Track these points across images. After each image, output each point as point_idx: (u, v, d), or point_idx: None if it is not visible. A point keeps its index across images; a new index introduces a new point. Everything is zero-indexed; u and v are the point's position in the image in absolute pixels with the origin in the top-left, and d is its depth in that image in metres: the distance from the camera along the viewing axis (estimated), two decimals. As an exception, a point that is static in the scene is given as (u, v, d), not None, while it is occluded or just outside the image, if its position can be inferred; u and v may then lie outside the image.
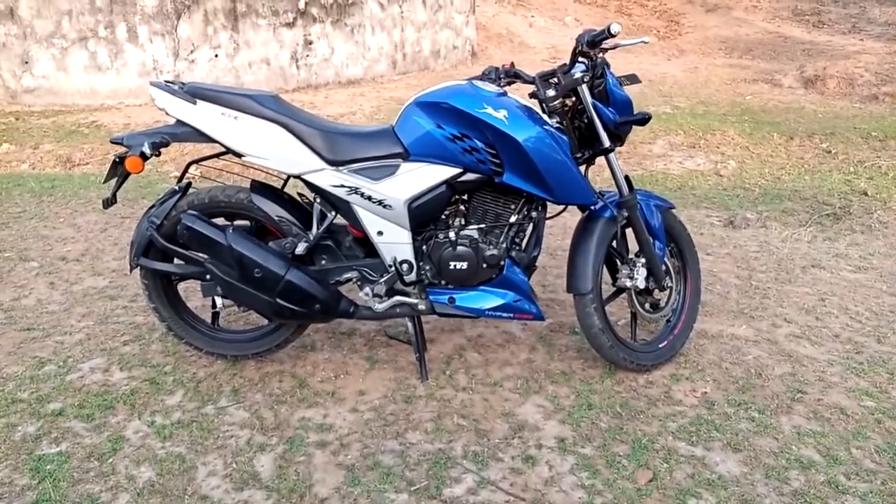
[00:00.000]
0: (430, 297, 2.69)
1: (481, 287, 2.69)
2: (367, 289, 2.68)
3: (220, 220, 2.68)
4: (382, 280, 2.66)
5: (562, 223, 2.78)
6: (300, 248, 2.61)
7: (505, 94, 2.55)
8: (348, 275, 2.71)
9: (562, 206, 2.73)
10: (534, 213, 2.69)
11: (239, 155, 2.53)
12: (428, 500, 2.19)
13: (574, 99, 2.64)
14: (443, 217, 2.68)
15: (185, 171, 2.71)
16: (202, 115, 2.48)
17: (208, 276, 2.62)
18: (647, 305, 2.90)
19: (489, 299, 2.68)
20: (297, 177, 2.56)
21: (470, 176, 2.55)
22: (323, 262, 2.71)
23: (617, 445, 2.43)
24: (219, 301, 2.71)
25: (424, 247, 2.67)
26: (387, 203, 2.54)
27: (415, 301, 2.70)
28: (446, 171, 2.53)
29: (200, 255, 2.61)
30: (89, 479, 2.26)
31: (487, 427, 2.54)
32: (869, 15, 13.46)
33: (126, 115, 7.24)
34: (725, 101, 8.28)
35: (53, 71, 7.55)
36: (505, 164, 2.50)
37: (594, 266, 2.67)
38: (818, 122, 7.20)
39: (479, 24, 11.79)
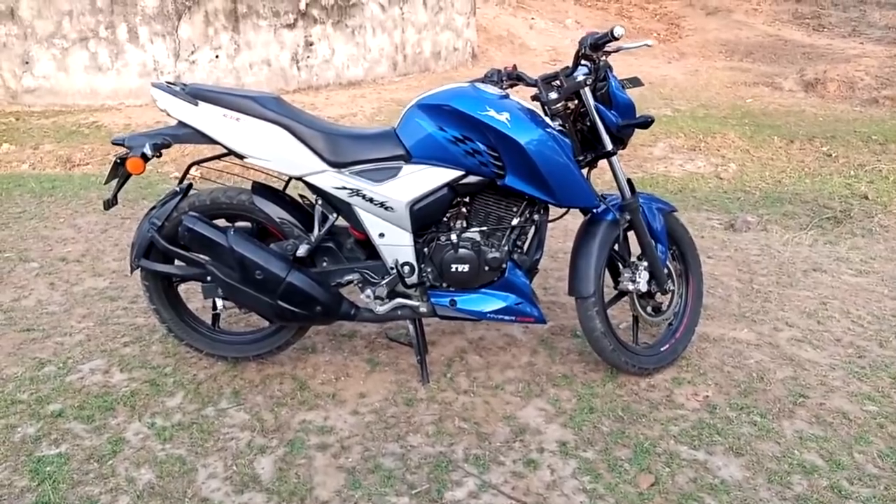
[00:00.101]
0: (432, 300, 2.68)
1: (483, 290, 2.69)
2: (368, 291, 2.67)
3: (221, 222, 2.67)
4: (384, 282, 2.65)
5: (563, 226, 2.78)
6: (301, 250, 2.60)
7: (507, 96, 2.55)
8: (349, 277, 2.70)
9: (564, 209, 2.73)
10: (536, 216, 2.68)
11: (240, 156, 2.52)
12: (429, 504, 2.19)
13: (576, 102, 2.63)
14: (444, 219, 2.67)
15: (186, 172, 2.71)
16: (204, 117, 2.47)
17: (209, 278, 2.61)
18: (649, 309, 2.89)
19: (491, 302, 2.68)
20: (299, 178, 2.55)
21: (472, 178, 2.55)
22: (324, 263, 2.71)
23: (619, 449, 2.43)
24: (219, 303, 2.70)
25: (426, 249, 2.66)
26: (388, 205, 2.53)
27: (416, 303, 2.69)
28: (448, 174, 2.53)
29: (201, 256, 2.60)
30: (89, 481, 2.25)
31: (489, 430, 2.53)
32: (869, 18, 13.47)
33: (126, 115, 7.23)
34: (726, 104, 8.29)
35: (54, 71, 7.54)
36: (507, 166, 2.49)
37: (596, 269, 2.67)
38: (819, 126, 7.21)
39: (480, 26, 11.79)
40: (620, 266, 2.85)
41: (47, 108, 7.49)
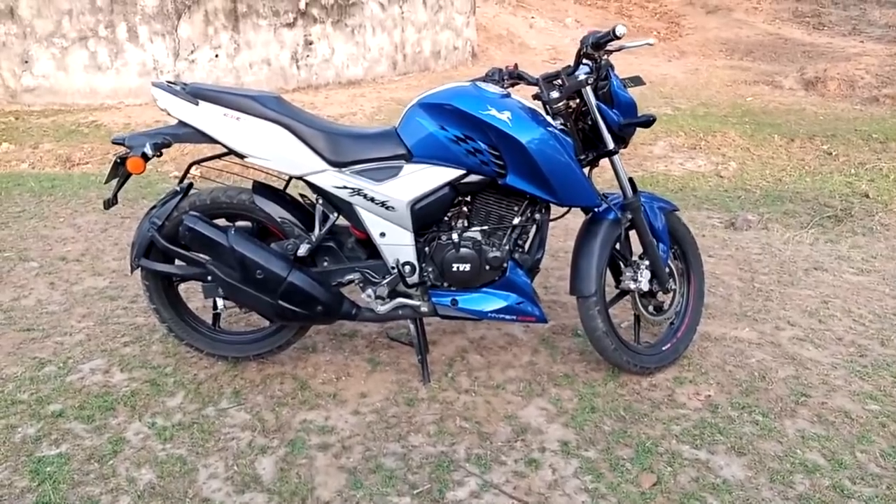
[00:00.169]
0: (433, 299, 2.68)
1: (484, 289, 2.68)
2: (369, 290, 2.66)
3: (222, 222, 2.66)
4: (385, 282, 2.64)
5: (563, 224, 2.78)
6: (302, 250, 2.59)
7: (508, 95, 2.54)
8: (350, 276, 2.69)
9: (565, 209, 2.72)
10: (537, 215, 2.67)
11: (241, 156, 2.51)
12: (431, 504, 2.19)
13: (578, 101, 2.62)
14: (446, 219, 2.66)
15: (187, 171, 2.70)
16: (204, 116, 2.46)
17: (210, 278, 2.60)
18: (650, 308, 2.89)
19: (492, 301, 2.67)
20: (300, 178, 2.55)
21: (473, 177, 2.54)
22: (325, 263, 2.70)
23: (621, 449, 2.42)
24: (220, 302, 2.70)
25: (427, 248, 2.65)
26: (389, 204, 2.52)
27: (417, 303, 2.68)
28: (449, 173, 2.52)
29: (202, 256, 2.59)
30: (89, 482, 2.25)
31: (490, 430, 2.52)
32: (869, 17, 13.47)
33: (126, 114, 7.22)
34: (726, 103, 8.28)
35: (53, 70, 7.53)
36: (508, 165, 2.48)
37: (598, 268, 2.66)
38: (819, 124, 7.20)
39: (480, 25, 11.78)
40: (622, 265, 2.84)
41: (47, 108, 7.48)
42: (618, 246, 2.79)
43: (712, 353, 3.02)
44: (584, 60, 2.59)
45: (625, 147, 2.72)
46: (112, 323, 3.24)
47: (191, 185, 2.69)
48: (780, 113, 7.75)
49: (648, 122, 2.64)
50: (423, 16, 9.94)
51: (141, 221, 2.68)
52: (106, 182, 2.58)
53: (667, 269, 2.82)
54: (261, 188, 2.67)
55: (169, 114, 2.50)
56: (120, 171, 2.52)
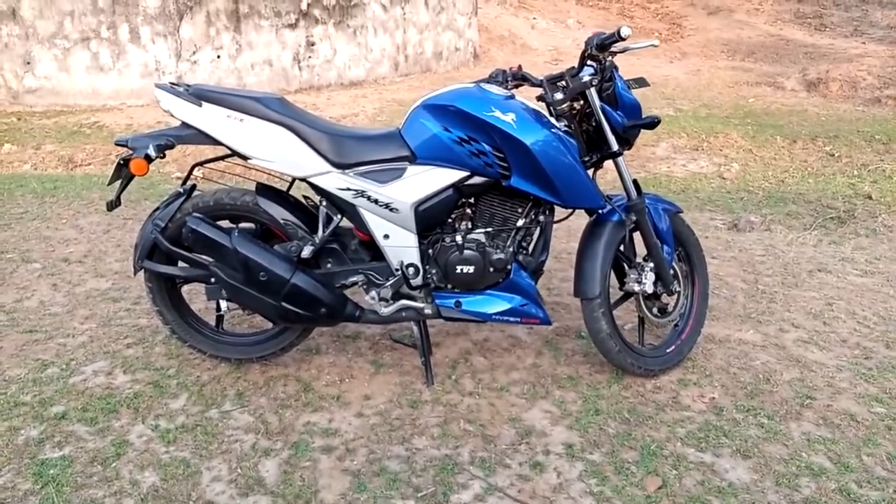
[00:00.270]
0: (437, 301, 2.67)
1: (488, 291, 2.67)
2: (372, 292, 2.66)
3: (225, 224, 2.66)
4: (388, 284, 2.63)
5: (566, 226, 2.78)
6: (306, 252, 2.59)
7: (512, 97, 2.53)
8: (354, 278, 2.69)
9: (569, 210, 2.71)
10: (541, 217, 2.66)
11: (244, 157, 2.51)
12: (435, 507, 2.18)
13: (582, 102, 2.62)
14: (449, 220, 2.65)
15: (190, 173, 2.70)
16: (207, 118, 2.46)
17: (213, 280, 2.60)
18: (654, 310, 2.88)
19: (496, 303, 2.66)
20: (303, 180, 2.54)
21: (477, 179, 2.53)
22: (328, 265, 2.69)
23: (625, 452, 2.41)
24: (223, 304, 2.69)
25: (431, 250, 2.65)
26: (393, 206, 2.52)
27: (421, 305, 2.68)
28: (453, 175, 2.51)
29: (205, 258, 2.59)
30: (93, 484, 2.24)
31: (494, 432, 2.52)
32: (871, 18, 13.45)
33: (128, 115, 7.22)
34: (728, 104, 8.27)
35: (55, 71, 7.53)
36: (512, 167, 2.48)
37: (602, 270, 2.65)
38: (821, 125, 7.19)
39: (482, 26, 11.78)
40: (626, 267, 2.83)
41: (49, 109, 7.48)
42: (622, 248, 2.78)
43: (716, 355, 3.01)
44: (589, 62, 2.59)
45: (629, 149, 2.71)
46: (115, 325, 3.23)
47: (194, 187, 2.68)
48: (783, 114, 7.74)
49: (653, 123, 2.63)
50: (425, 17, 9.94)
51: (144, 223, 2.68)
52: (109, 184, 2.58)
53: (671, 272, 2.82)
54: (264, 190, 2.67)
55: (172, 115, 2.49)
56: (123, 172, 2.52)
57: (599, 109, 2.55)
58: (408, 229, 2.57)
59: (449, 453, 2.41)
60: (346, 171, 2.50)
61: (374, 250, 2.67)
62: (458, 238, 2.60)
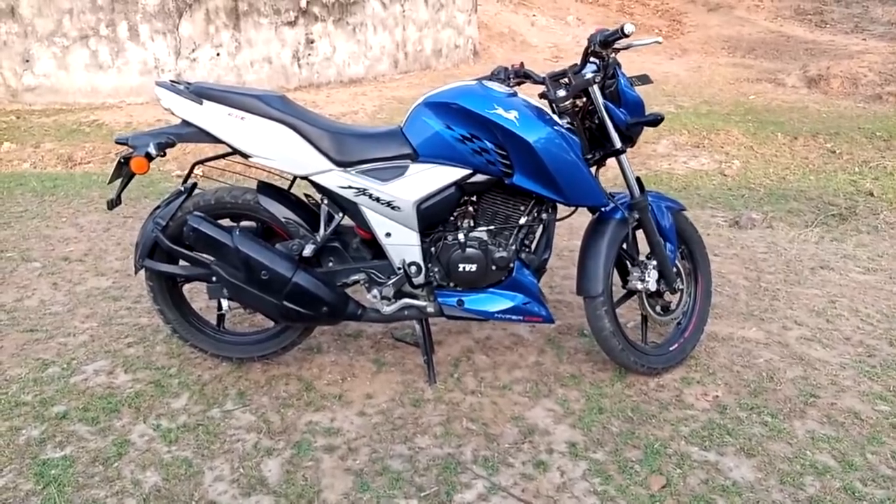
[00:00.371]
0: (439, 300, 2.66)
1: (490, 289, 2.66)
2: (374, 291, 2.65)
3: (226, 222, 2.65)
4: (390, 282, 2.62)
5: (567, 224, 2.77)
6: (307, 250, 2.57)
7: (515, 94, 2.52)
8: (356, 277, 2.68)
9: (572, 208, 2.70)
10: (544, 215, 2.65)
11: (245, 156, 2.49)
12: (438, 506, 2.17)
13: (585, 99, 2.60)
14: (452, 219, 2.64)
15: (191, 171, 2.68)
16: (208, 116, 2.44)
17: (214, 278, 2.59)
18: (657, 308, 2.87)
19: (498, 302, 2.65)
20: (305, 178, 2.53)
21: (479, 177, 2.52)
22: (330, 263, 2.68)
23: (629, 450, 2.40)
24: (224, 303, 2.68)
25: (433, 248, 2.63)
26: (395, 204, 2.50)
27: (423, 303, 2.67)
28: (456, 173, 2.50)
29: (206, 256, 2.57)
30: (94, 484, 2.23)
31: (497, 431, 2.51)
32: (872, 14, 13.43)
33: (127, 113, 7.20)
34: (729, 101, 8.25)
35: (54, 69, 7.51)
36: (515, 165, 2.46)
37: (605, 268, 2.64)
38: (822, 122, 7.17)
39: (481, 23, 11.75)
40: (629, 265, 2.82)
41: (48, 107, 7.46)
42: (625, 246, 2.77)
43: (720, 353, 3.00)
44: (592, 59, 2.57)
45: (632, 146, 2.70)
46: (116, 324, 3.22)
47: (195, 185, 2.67)
48: (783, 111, 7.72)
49: (656, 120, 2.62)
50: (425, 14, 9.91)
51: (145, 222, 2.67)
52: (109, 182, 2.56)
53: (674, 269, 2.81)
54: (265, 188, 2.65)
55: (172, 113, 2.48)
56: (123, 171, 2.50)
57: (602, 106, 2.54)
58: (410, 227, 2.55)
59: (452, 452, 2.40)
60: (348, 169, 2.49)
61: (375, 249, 2.66)
62: (461, 236, 2.59)
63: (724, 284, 3.65)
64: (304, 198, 2.72)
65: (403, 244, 2.58)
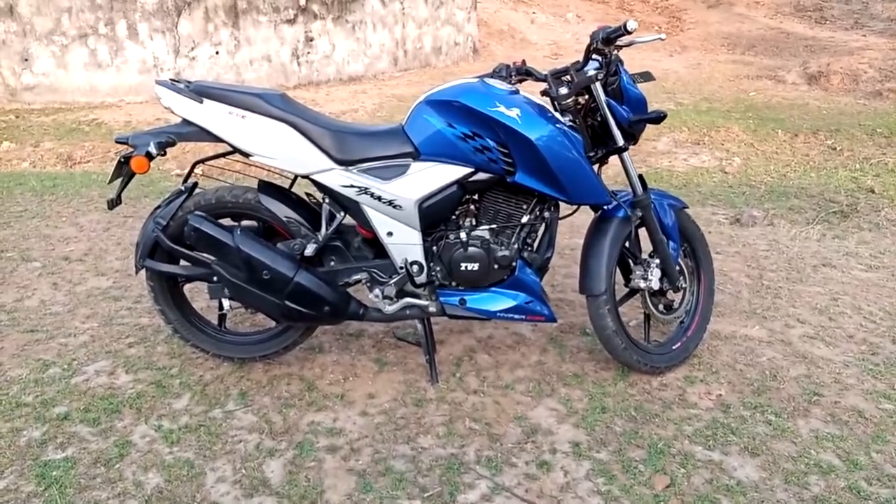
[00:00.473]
0: (441, 299, 2.65)
1: (492, 288, 2.65)
2: (376, 290, 2.63)
3: (227, 221, 2.63)
4: (392, 281, 2.61)
5: (569, 222, 2.76)
6: (309, 250, 2.56)
7: (517, 92, 2.50)
8: (357, 276, 2.66)
9: (574, 206, 2.69)
10: (546, 214, 2.64)
11: (246, 154, 2.48)
12: (442, 507, 2.16)
13: (587, 97, 2.59)
14: (453, 217, 2.63)
15: (191, 170, 2.67)
16: (209, 114, 2.43)
17: (215, 278, 2.58)
18: (660, 306, 2.86)
19: (500, 301, 2.64)
20: (306, 177, 2.52)
21: (481, 175, 2.51)
22: (332, 263, 2.67)
23: (632, 450, 2.39)
24: (226, 303, 2.67)
25: (435, 247, 2.62)
26: (397, 203, 2.49)
27: (425, 303, 2.65)
28: (457, 171, 2.49)
29: (207, 256, 2.56)
30: (96, 486, 2.22)
31: (500, 431, 2.50)
32: (871, 11, 13.42)
33: (127, 112, 7.19)
34: (729, 98, 8.24)
35: (53, 68, 7.50)
36: (517, 163, 2.45)
37: (608, 267, 2.63)
38: (823, 119, 7.16)
39: (481, 21, 11.73)
40: (632, 263, 2.81)
41: (47, 106, 7.45)
42: (627, 244, 2.76)
43: (722, 351, 2.99)
44: (594, 56, 2.56)
45: (634, 143, 2.68)
46: (116, 324, 3.21)
47: (195, 185, 2.66)
48: (784, 108, 7.71)
49: (659, 118, 2.60)
50: (424, 11, 9.90)
51: (145, 221, 2.66)
52: (109, 182, 2.55)
53: (677, 268, 2.79)
54: (266, 187, 2.64)
55: (173, 112, 2.47)
56: (124, 170, 2.49)
57: (605, 104, 2.52)
58: (412, 226, 2.54)
59: (455, 452, 2.39)
60: (350, 167, 2.48)
61: (377, 248, 2.65)
62: (463, 235, 2.58)
63: (726, 282, 3.64)
64: (305, 197, 2.71)
65: (405, 243, 2.57)
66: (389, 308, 2.64)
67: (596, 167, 2.65)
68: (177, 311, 2.78)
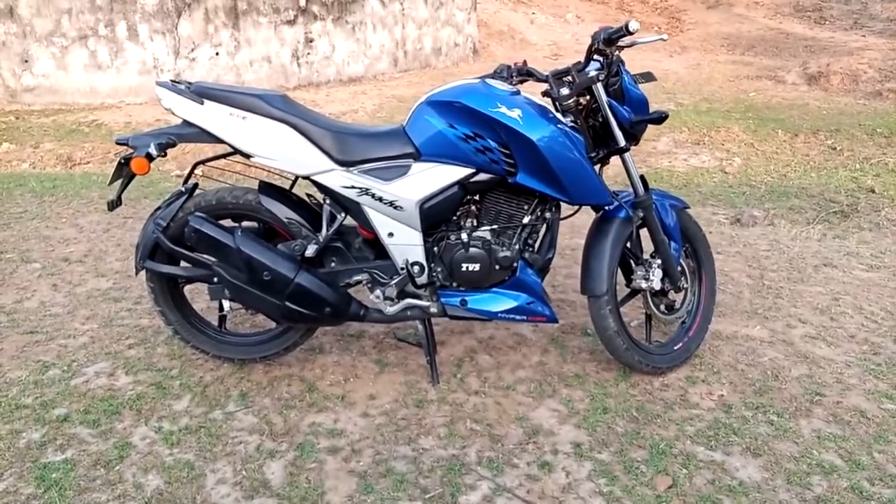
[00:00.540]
0: (442, 300, 2.64)
1: (494, 289, 2.64)
2: (377, 291, 2.63)
3: (227, 223, 2.63)
4: (393, 282, 2.60)
5: (570, 222, 2.76)
6: (310, 251, 2.56)
7: (518, 92, 2.50)
8: (358, 277, 2.66)
9: (576, 207, 2.68)
10: (547, 214, 2.63)
11: (247, 156, 2.48)
12: (443, 508, 2.15)
13: (588, 97, 2.58)
14: (455, 218, 2.63)
15: (191, 171, 2.66)
16: (209, 116, 2.42)
17: (216, 279, 2.57)
18: (662, 307, 2.85)
19: (502, 301, 2.63)
20: (307, 178, 2.51)
21: (483, 176, 2.50)
22: (333, 264, 2.66)
23: (634, 451, 2.39)
24: (226, 304, 2.67)
25: (436, 248, 2.62)
26: (398, 204, 2.49)
27: (426, 303, 2.65)
28: (459, 172, 2.48)
29: (208, 257, 2.56)
30: (96, 488, 2.21)
31: (501, 432, 2.49)
32: (871, 11, 13.42)
33: (127, 113, 7.18)
34: (729, 98, 8.24)
35: (53, 70, 7.49)
36: (518, 163, 2.45)
37: (609, 267, 2.62)
38: (822, 119, 7.16)
39: (481, 21, 11.73)
40: (633, 264, 2.80)
41: (47, 107, 7.44)
42: (629, 244, 2.75)
43: (724, 351, 2.99)
44: (595, 56, 2.55)
45: (636, 144, 2.68)
46: (116, 325, 3.20)
47: (196, 186, 2.65)
48: (784, 108, 7.71)
49: (660, 118, 2.60)
50: (424, 12, 9.89)
51: (145, 223, 2.65)
52: (110, 183, 2.54)
53: (679, 268, 2.79)
54: (267, 188, 2.63)
55: (173, 113, 2.46)
56: (124, 171, 2.48)
57: (606, 104, 2.52)
58: (413, 227, 2.54)
59: (456, 453, 2.38)
60: (351, 168, 2.47)
61: (378, 249, 2.64)
62: (464, 236, 2.57)
63: (727, 282, 3.63)
64: (305, 198, 2.70)
65: (406, 244, 2.57)
66: (390, 309, 2.63)
67: (597, 168, 2.65)
68: (177, 312, 2.77)
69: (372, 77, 9.22)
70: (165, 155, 2.48)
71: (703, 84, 9.16)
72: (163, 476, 2.27)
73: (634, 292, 2.86)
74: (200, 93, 2.43)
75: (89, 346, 3.03)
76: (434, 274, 2.62)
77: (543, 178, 2.46)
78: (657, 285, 2.75)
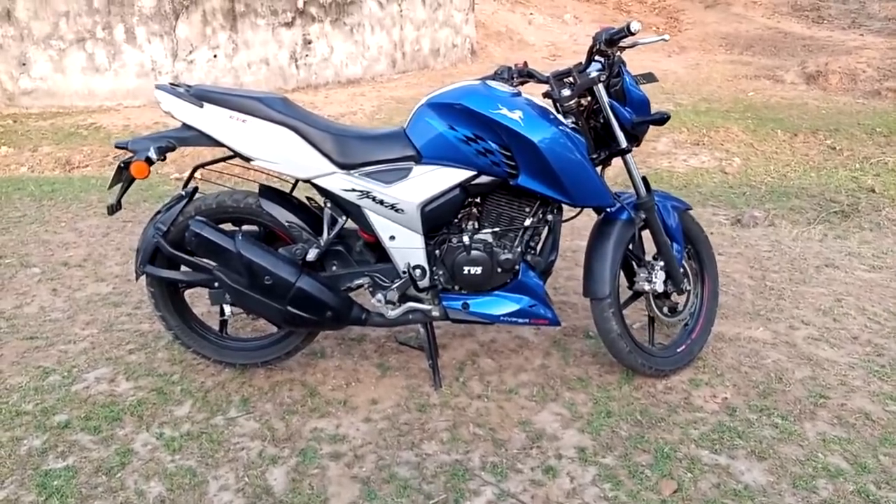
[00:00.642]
0: (444, 303, 2.63)
1: (495, 292, 2.63)
2: (379, 295, 2.61)
3: (227, 227, 2.61)
4: (395, 286, 2.59)
5: (571, 224, 2.75)
6: (311, 254, 2.54)
7: (519, 94, 2.48)
8: (360, 281, 2.64)
9: (578, 209, 2.67)
10: (549, 216, 2.62)
11: (247, 159, 2.46)
12: (447, 514, 2.14)
13: (590, 98, 2.57)
14: (456, 221, 2.61)
15: (191, 175, 2.65)
16: (209, 119, 2.41)
17: (217, 284, 2.56)
18: (665, 309, 2.84)
19: (504, 304, 2.62)
20: (307, 181, 2.50)
21: (484, 178, 2.49)
22: (334, 267, 2.65)
23: (639, 455, 2.37)
24: (227, 309, 2.65)
25: (437, 251, 2.60)
26: (399, 207, 2.47)
27: (428, 307, 2.63)
28: (460, 174, 2.47)
29: (209, 261, 2.54)
30: (98, 495, 2.19)
31: (505, 436, 2.47)
32: (868, 10, 13.41)
33: (125, 116, 7.16)
34: (728, 98, 8.23)
35: (51, 73, 7.47)
36: (520, 165, 2.43)
37: (611, 270, 2.61)
38: (822, 119, 7.15)
39: (479, 22, 11.72)
40: (636, 266, 2.79)
41: (45, 110, 7.42)
42: (631, 246, 2.74)
43: (727, 354, 2.97)
44: (597, 57, 2.54)
45: (637, 145, 2.66)
46: (116, 330, 3.18)
47: (196, 189, 2.64)
48: (783, 107, 7.70)
49: (662, 119, 2.59)
50: (422, 13, 9.88)
51: (145, 227, 2.64)
52: (109, 187, 2.52)
53: (681, 270, 2.77)
54: (267, 192, 2.62)
55: (173, 116, 2.45)
56: (123, 175, 2.47)
57: (608, 106, 2.50)
58: (414, 230, 2.52)
59: (459, 458, 2.37)
60: (351, 171, 2.46)
61: (379, 252, 2.63)
62: (465, 238, 2.56)
63: (729, 284, 3.62)
64: (306, 201, 2.69)
65: (408, 247, 2.55)
66: (392, 312, 2.62)
67: (599, 169, 2.64)
68: (178, 317, 2.76)
69: (370, 78, 9.20)
70: (165, 159, 2.47)
71: (701, 84, 9.15)
72: (165, 483, 2.25)
73: (637, 295, 2.85)
74: (200, 96, 2.42)
75: (90, 351, 3.01)
76: (436, 277, 2.61)
77: (545, 180, 2.45)
78: (660, 287, 2.73)
